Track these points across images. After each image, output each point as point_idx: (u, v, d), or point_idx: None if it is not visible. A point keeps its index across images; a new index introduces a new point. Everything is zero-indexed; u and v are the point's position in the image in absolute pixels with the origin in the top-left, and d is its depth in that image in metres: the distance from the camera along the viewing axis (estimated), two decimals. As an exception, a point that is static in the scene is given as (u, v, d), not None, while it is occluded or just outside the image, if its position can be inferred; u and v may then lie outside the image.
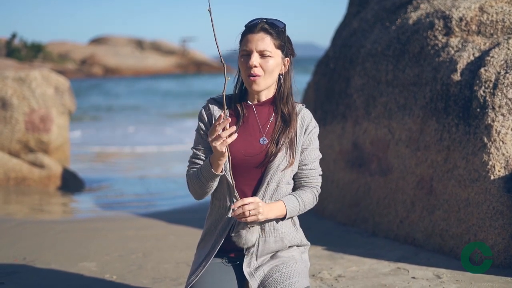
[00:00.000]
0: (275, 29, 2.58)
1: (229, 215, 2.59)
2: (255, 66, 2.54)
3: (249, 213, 2.45)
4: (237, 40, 2.65)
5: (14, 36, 38.60)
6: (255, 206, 2.46)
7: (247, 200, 2.46)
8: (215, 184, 2.58)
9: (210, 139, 2.41)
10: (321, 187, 2.75)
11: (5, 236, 5.23)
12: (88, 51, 53.31)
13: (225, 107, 2.48)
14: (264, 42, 2.55)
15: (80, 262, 4.31)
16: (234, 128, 2.39)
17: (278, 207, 2.56)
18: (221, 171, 2.52)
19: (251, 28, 2.58)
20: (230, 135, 2.39)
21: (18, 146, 8.16)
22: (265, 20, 2.58)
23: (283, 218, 2.61)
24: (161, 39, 62.12)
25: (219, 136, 2.38)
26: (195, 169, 2.61)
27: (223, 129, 2.39)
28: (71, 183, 8.29)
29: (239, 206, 2.45)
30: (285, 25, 2.61)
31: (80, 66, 50.87)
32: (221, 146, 2.40)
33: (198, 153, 2.64)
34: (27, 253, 4.54)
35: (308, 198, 2.66)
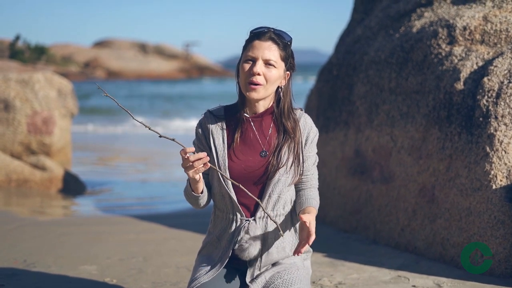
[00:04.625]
0: (282, 40, 2.57)
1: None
2: (258, 74, 2.52)
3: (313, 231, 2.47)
4: (241, 45, 2.65)
5: (17, 38, 38.69)
6: (313, 237, 2.47)
7: (312, 238, 2.46)
8: (202, 200, 2.61)
9: (182, 166, 2.43)
10: (322, 194, 2.78)
11: (5, 238, 5.23)
12: (92, 54, 53.42)
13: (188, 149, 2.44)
14: (271, 51, 2.54)
15: (80, 265, 4.31)
16: (207, 158, 2.41)
17: (314, 214, 2.57)
18: (201, 192, 2.56)
19: (259, 35, 2.56)
20: (204, 164, 2.41)
21: (20, 148, 8.17)
22: (272, 30, 2.57)
23: None
24: (164, 43, 62.13)
25: (191, 166, 2.41)
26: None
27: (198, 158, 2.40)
28: (72, 186, 8.28)
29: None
30: (291, 38, 2.60)
31: (83, 69, 50.96)
32: (192, 173, 2.44)
33: None
34: (27, 256, 4.54)
35: (318, 196, 2.72)
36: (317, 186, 2.76)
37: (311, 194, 2.66)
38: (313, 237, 2.44)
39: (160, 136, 2.41)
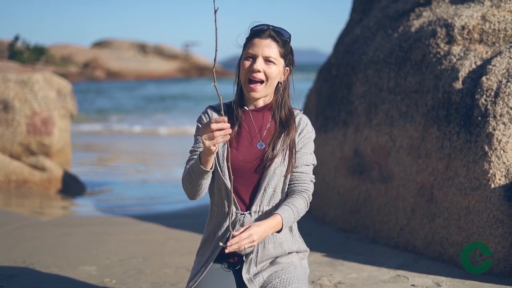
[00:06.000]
0: (281, 37, 2.62)
1: (224, 243, 2.53)
2: (258, 71, 2.57)
3: (244, 247, 2.43)
4: (240, 43, 2.67)
5: (17, 38, 38.68)
6: (250, 240, 2.43)
7: (240, 235, 2.44)
8: (205, 182, 2.53)
9: (202, 133, 2.37)
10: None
11: (5, 238, 5.23)
12: (91, 55, 53.42)
13: (222, 112, 2.47)
14: (271, 48, 2.59)
15: (80, 265, 4.32)
16: (230, 130, 2.36)
17: (273, 223, 2.51)
18: (210, 168, 2.48)
19: (259, 33, 2.61)
20: (223, 137, 2.36)
21: (19, 148, 8.17)
22: (271, 27, 2.61)
23: (279, 231, 2.58)
24: (164, 43, 62.21)
25: (211, 134, 2.35)
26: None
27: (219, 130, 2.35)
28: (72, 187, 8.29)
29: (234, 243, 2.43)
30: (290, 35, 2.64)
31: (83, 69, 50.97)
32: (210, 143, 2.36)
33: (195, 155, 2.65)
34: (27, 256, 4.54)
35: (301, 206, 2.62)
36: (307, 191, 2.67)
37: (291, 201, 2.60)
38: (242, 242, 2.42)
39: (213, 85, 2.40)
